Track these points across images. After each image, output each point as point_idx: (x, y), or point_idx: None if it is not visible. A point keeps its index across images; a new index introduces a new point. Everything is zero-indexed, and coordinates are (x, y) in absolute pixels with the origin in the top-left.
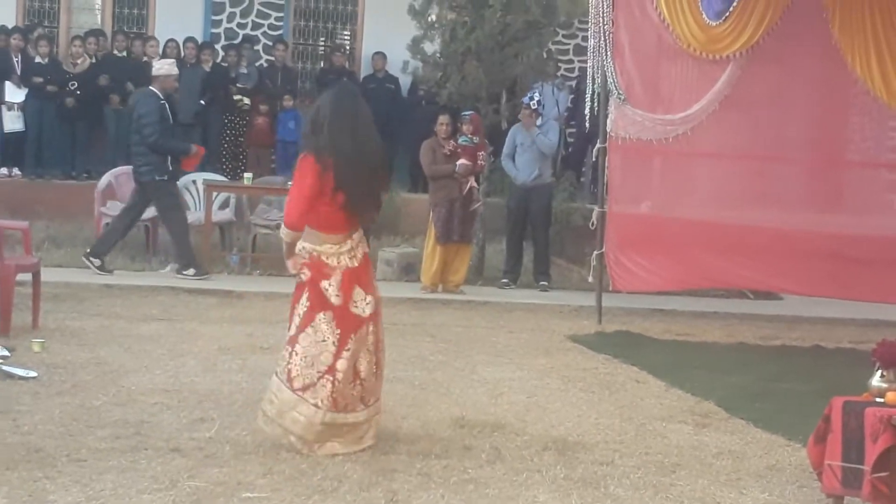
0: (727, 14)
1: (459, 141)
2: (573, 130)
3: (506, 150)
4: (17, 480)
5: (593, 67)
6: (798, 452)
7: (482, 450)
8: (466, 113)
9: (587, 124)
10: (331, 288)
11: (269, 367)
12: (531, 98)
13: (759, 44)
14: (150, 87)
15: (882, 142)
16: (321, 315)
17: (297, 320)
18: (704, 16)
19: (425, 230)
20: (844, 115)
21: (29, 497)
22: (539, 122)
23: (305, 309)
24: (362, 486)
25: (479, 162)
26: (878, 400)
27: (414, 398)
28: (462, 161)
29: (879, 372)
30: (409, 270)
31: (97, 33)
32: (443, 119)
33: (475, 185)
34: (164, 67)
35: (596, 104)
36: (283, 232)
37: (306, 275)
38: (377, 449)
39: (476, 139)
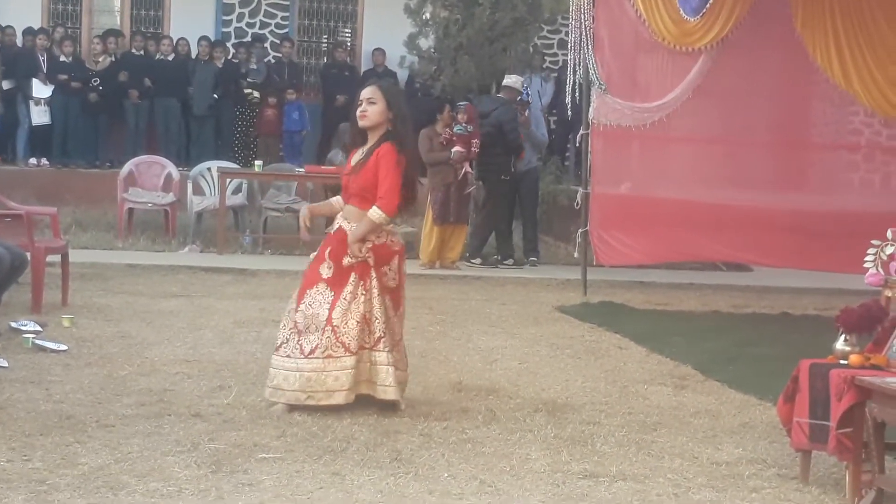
0: (704, 10)
1: (454, 130)
2: (556, 118)
3: None
4: (50, 445)
5: (574, 60)
6: (769, 411)
7: (478, 412)
8: (461, 104)
9: (569, 112)
10: (390, 272)
11: None
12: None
13: (728, 37)
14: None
15: (842, 125)
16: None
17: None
18: (681, 12)
19: (424, 212)
20: (807, 102)
21: (62, 460)
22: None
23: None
24: (369, 447)
25: (472, 149)
26: (841, 362)
27: (415, 366)
28: (457, 148)
29: (843, 336)
30: (408, 248)
31: (116, 33)
32: (448, 109)
33: (469, 170)
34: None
35: (577, 94)
36: (382, 217)
37: (371, 259)
38: (382, 412)
39: (470, 128)
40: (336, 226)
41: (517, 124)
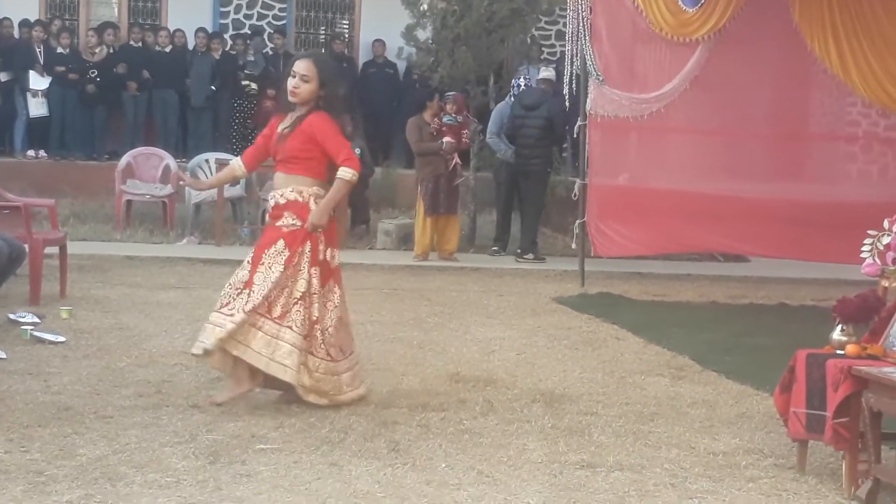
0: (702, 1)
1: (444, 120)
2: None
3: (493, 127)
4: (48, 436)
5: (572, 51)
6: (766, 401)
7: (476, 403)
8: (450, 94)
9: (567, 103)
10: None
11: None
12: (521, 83)
13: (726, 27)
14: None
15: (840, 116)
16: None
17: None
18: (680, 2)
19: (416, 203)
20: (805, 93)
21: (60, 451)
22: None
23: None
24: (366, 437)
25: (463, 140)
26: (838, 352)
27: (413, 357)
28: (447, 139)
29: (839, 326)
30: (406, 240)
31: (111, 25)
32: (437, 99)
33: (459, 161)
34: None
35: (574, 85)
36: (353, 174)
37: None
38: (379, 403)
39: (460, 118)
40: (271, 202)
41: (567, 116)
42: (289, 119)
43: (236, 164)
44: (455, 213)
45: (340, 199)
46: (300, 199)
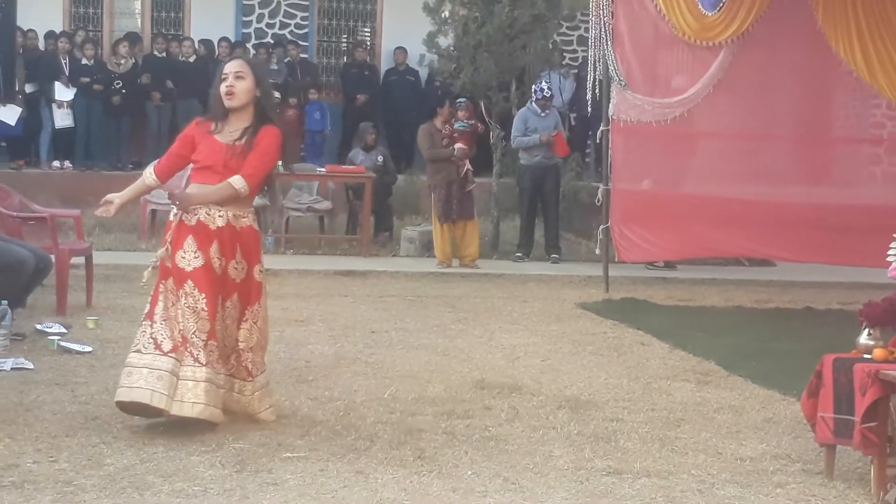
0: (722, 4)
1: (455, 126)
2: (576, 115)
3: (516, 132)
4: (76, 446)
5: (594, 56)
6: (793, 406)
7: (501, 409)
8: (461, 100)
9: (589, 109)
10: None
11: (304, 338)
12: (544, 87)
13: (749, 31)
14: None
15: (864, 118)
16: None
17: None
18: (700, 6)
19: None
20: (829, 95)
21: (88, 461)
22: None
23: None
24: (392, 445)
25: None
26: (865, 356)
27: (437, 363)
28: (460, 145)
29: (866, 330)
30: (429, 247)
31: (134, 38)
32: (447, 105)
33: (471, 167)
34: None
35: (597, 90)
36: (244, 188)
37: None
38: (405, 410)
39: (472, 122)
40: (195, 217)
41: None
42: (229, 128)
43: (149, 175)
44: (472, 218)
45: (213, 200)
46: (250, 224)
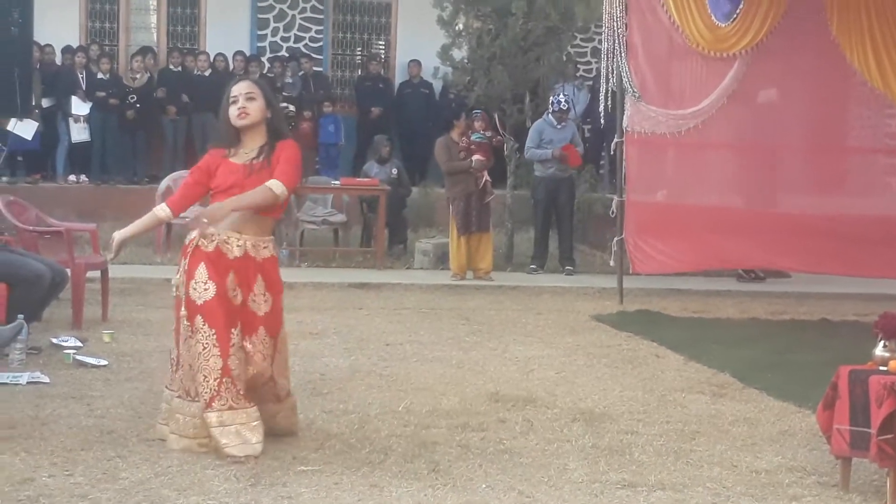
0: (735, 15)
1: (473, 138)
2: (590, 127)
3: (531, 143)
4: (92, 459)
5: (607, 68)
6: (808, 418)
7: (516, 422)
8: (477, 111)
9: (602, 121)
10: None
11: (318, 351)
12: (561, 100)
13: (763, 42)
14: None
15: (879, 129)
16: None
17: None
18: (713, 17)
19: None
20: (844, 106)
21: (103, 475)
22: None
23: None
24: (406, 458)
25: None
26: (881, 368)
27: (452, 376)
28: (477, 157)
29: (882, 342)
30: (443, 259)
31: (151, 50)
32: (464, 118)
33: (489, 178)
34: None
35: (610, 102)
36: (282, 191)
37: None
38: (419, 423)
39: (488, 134)
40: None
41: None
42: (243, 150)
43: (161, 209)
44: (488, 230)
45: (247, 206)
46: (272, 254)
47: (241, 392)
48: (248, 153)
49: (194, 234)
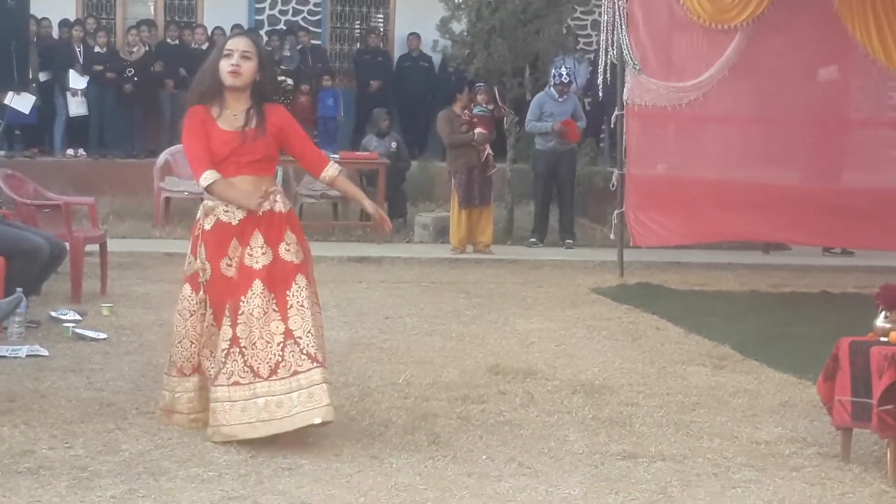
0: None
1: (475, 111)
2: (590, 100)
3: (531, 116)
4: (91, 432)
5: (606, 41)
6: (809, 389)
7: (516, 394)
8: (479, 84)
9: (600, 94)
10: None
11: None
12: (563, 73)
13: (765, 14)
14: None
15: (882, 101)
16: None
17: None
18: None
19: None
20: (846, 78)
21: (103, 447)
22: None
23: None
24: (407, 430)
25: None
26: (882, 339)
27: (452, 349)
28: (479, 130)
29: (883, 314)
30: (443, 233)
31: (148, 23)
32: (466, 91)
33: (491, 152)
34: None
35: (608, 75)
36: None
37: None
38: (419, 395)
39: (491, 107)
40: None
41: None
42: (229, 112)
43: (211, 176)
44: (489, 204)
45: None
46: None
47: (250, 365)
48: (235, 116)
49: (199, 213)
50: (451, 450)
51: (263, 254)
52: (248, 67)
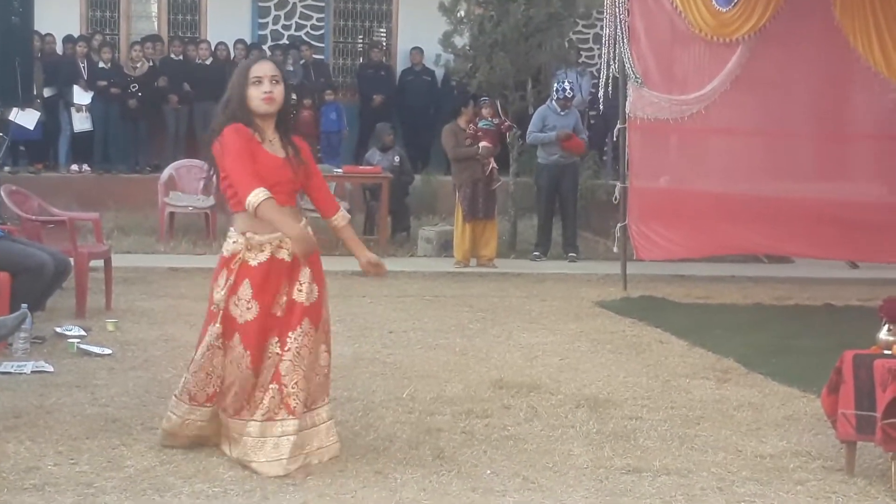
0: (736, 0)
1: (480, 124)
2: (593, 113)
3: (533, 128)
4: (96, 448)
5: (608, 54)
6: (813, 403)
7: (520, 409)
8: (484, 98)
9: (601, 107)
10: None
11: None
12: (566, 87)
13: (766, 27)
14: None
15: (884, 114)
16: None
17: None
18: (715, 3)
19: (454, 210)
20: (847, 91)
21: (108, 463)
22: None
23: None
24: (411, 445)
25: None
26: (885, 352)
27: (456, 363)
28: (484, 143)
29: (886, 326)
30: (447, 247)
31: (153, 38)
32: (471, 105)
33: (495, 165)
34: None
35: (610, 88)
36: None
37: None
38: (423, 410)
39: (496, 121)
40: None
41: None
42: (268, 138)
43: (262, 199)
44: (493, 218)
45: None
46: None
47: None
48: (271, 142)
49: (235, 244)
50: (455, 464)
51: (310, 290)
52: (279, 91)
